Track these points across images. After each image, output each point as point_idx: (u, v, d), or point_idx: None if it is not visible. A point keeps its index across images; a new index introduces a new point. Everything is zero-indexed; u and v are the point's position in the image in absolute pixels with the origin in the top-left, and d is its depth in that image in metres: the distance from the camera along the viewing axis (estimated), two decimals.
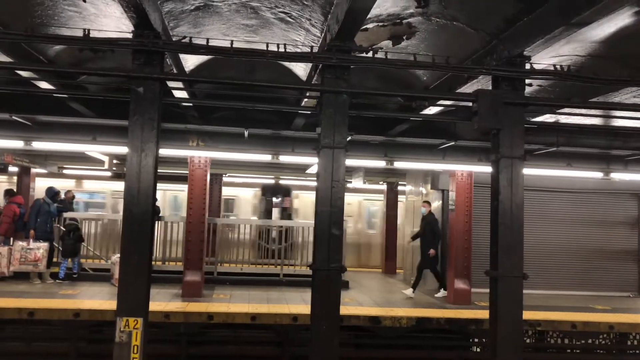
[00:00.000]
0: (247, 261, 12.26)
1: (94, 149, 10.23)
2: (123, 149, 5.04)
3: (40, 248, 10.14)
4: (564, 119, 8.34)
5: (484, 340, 8.88)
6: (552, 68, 5.62)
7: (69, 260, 10.80)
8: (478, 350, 9.06)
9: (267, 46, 5.24)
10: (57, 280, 10.51)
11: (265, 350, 8.64)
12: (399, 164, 9.85)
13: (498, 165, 5.63)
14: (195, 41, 5.24)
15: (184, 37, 5.27)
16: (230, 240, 12.47)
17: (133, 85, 5.15)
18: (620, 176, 10.22)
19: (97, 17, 5.58)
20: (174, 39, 5.80)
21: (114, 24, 5.64)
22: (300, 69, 7.14)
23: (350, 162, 9.69)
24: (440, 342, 8.95)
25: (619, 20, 5.11)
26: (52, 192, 10.87)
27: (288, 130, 9.16)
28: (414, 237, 11.58)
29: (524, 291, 5.66)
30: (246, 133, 8.86)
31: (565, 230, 12.05)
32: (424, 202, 11.45)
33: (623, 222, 12.52)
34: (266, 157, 9.45)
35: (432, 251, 10.72)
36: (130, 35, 5.20)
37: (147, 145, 5.14)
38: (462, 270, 10.27)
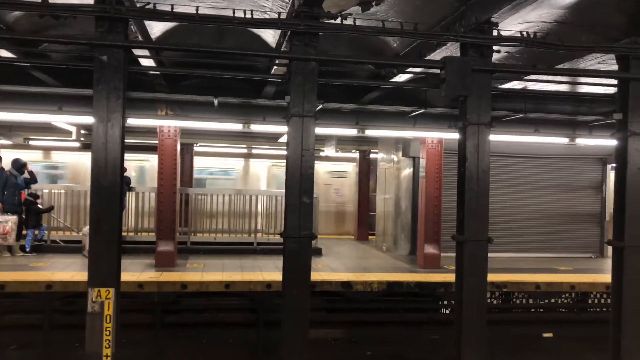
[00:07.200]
0: (221, 230, 12.25)
1: (61, 120, 9.96)
2: (91, 119, 4.98)
3: (8, 221, 9.98)
4: (531, 86, 8.46)
5: (453, 302, 9.17)
6: (519, 35, 5.68)
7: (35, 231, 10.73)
8: (447, 312, 9.37)
9: (234, 12, 5.15)
10: (24, 254, 10.38)
11: (239, 316, 8.79)
12: (370, 132, 9.89)
13: (465, 132, 5.71)
14: (160, 7, 5.12)
15: (148, 3, 5.13)
16: (202, 210, 12.41)
17: (97, 53, 5.02)
18: (585, 141, 10.47)
19: None
20: (138, 5, 5.63)
21: None
22: (270, 36, 7.03)
23: (322, 130, 9.69)
24: (411, 305, 9.23)
25: None
26: (18, 164, 10.61)
27: (259, 98, 9.06)
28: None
29: (491, 254, 5.82)
30: (216, 101, 8.74)
31: (532, 195, 12.36)
32: None
33: (588, 186, 12.89)
34: (237, 126, 9.38)
35: None
36: (92, 1, 5.04)
37: (113, 115, 5.06)
38: (432, 235, 10.49)
